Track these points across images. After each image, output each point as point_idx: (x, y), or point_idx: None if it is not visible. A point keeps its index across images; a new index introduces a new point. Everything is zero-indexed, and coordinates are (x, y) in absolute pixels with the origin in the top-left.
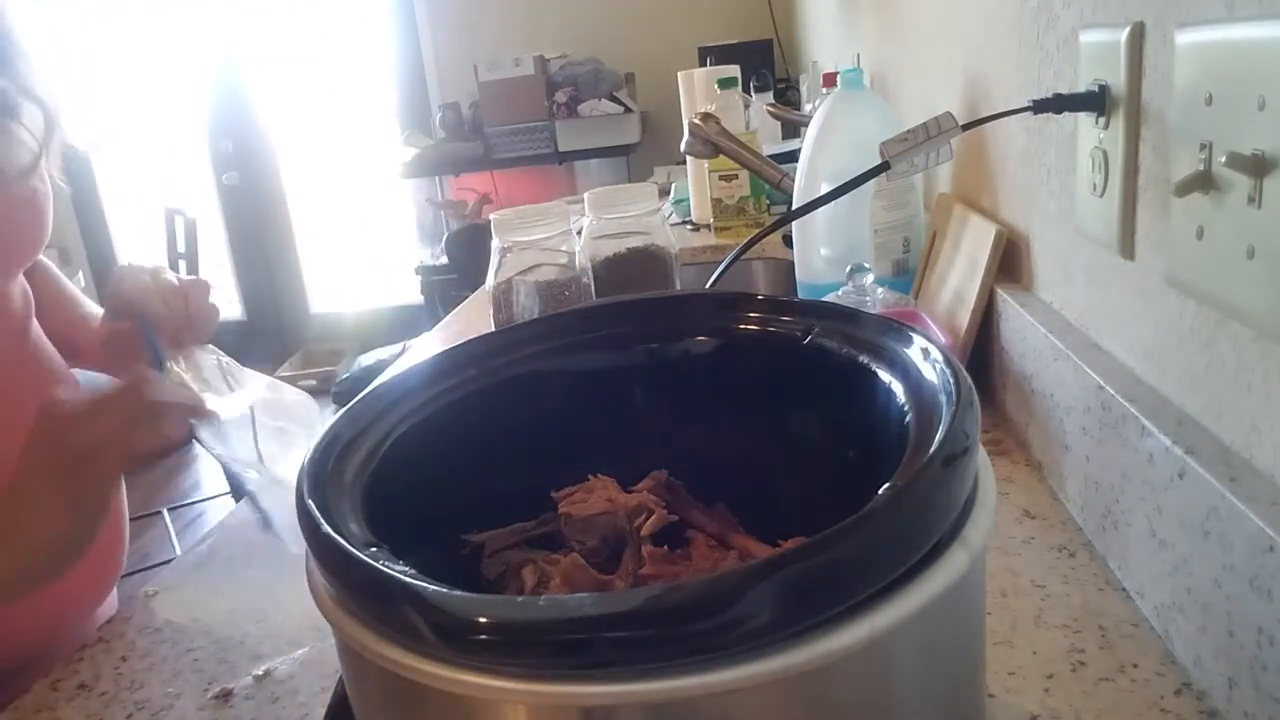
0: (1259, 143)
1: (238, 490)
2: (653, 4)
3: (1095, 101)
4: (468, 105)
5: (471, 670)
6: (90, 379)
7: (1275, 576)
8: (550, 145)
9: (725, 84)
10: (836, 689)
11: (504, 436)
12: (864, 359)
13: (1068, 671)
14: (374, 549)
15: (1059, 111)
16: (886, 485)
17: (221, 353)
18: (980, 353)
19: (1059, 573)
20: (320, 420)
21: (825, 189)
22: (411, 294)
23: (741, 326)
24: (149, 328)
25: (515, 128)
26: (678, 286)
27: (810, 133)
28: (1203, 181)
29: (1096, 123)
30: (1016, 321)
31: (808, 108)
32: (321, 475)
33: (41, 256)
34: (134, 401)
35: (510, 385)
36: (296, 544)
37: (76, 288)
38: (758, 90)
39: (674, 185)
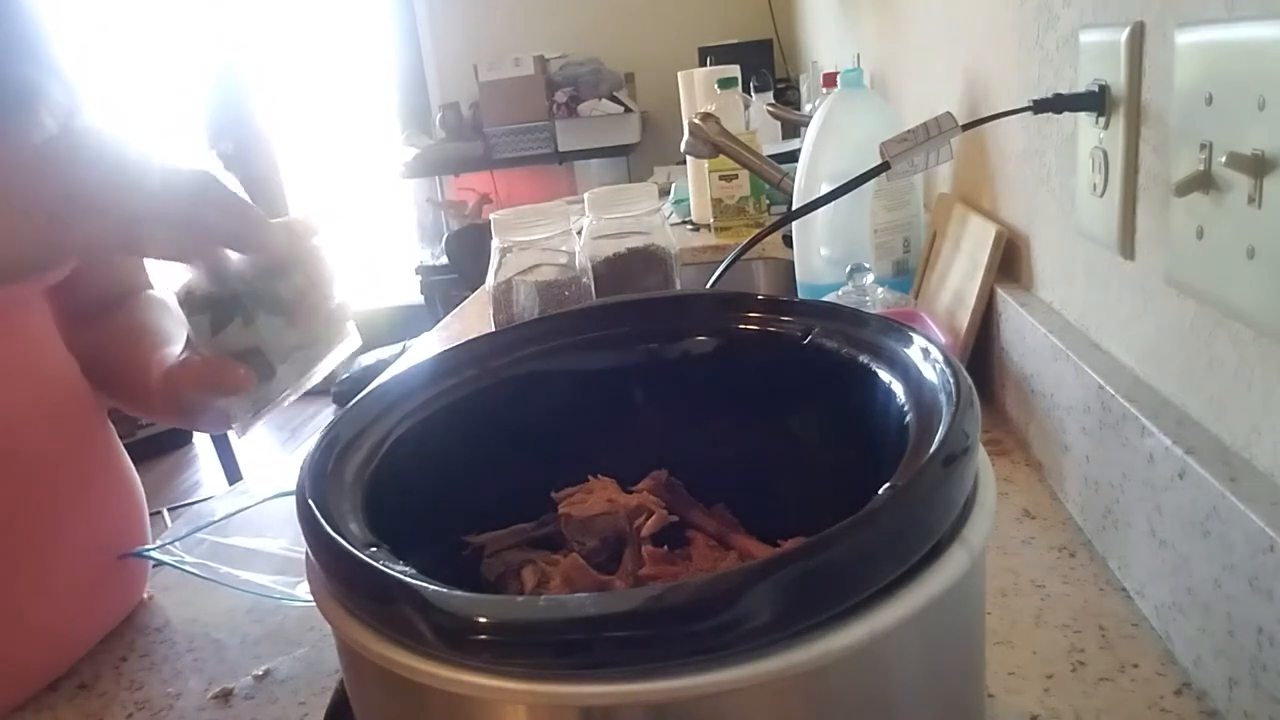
0: (1259, 143)
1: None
2: (653, 4)
3: (1095, 101)
4: (468, 105)
5: (471, 670)
6: None
7: (1275, 576)
8: (550, 145)
9: (725, 84)
10: (836, 689)
11: (504, 436)
12: (864, 359)
13: (1068, 671)
14: (374, 549)
15: (1059, 111)
16: (886, 485)
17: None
18: (980, 353)
19: (1059, 573)
20: None
21: (825, 189)
22: (411, 294)
23: (741, 326)
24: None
25: (515, 128)
26: (678, 286)
27: (810, 133)
28: (1203, 181)
29: (1096, 123)
30: (1016, 321)
31: (808, 108)
32: (321, 475)
33: (154, 293)
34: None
35: (510, 385)
36: None
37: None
38: (758, 90)
39: (674, 185)
